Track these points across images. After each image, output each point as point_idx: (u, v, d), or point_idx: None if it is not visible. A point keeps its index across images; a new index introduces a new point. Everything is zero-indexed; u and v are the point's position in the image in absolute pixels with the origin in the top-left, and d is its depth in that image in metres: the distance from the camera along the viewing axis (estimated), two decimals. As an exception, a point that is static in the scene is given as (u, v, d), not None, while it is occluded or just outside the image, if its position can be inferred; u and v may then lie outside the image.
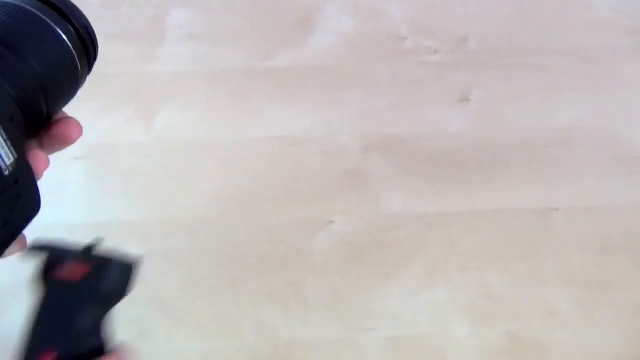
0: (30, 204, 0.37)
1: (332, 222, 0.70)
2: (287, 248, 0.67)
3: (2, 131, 0.33)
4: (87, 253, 0.39)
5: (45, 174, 0.38)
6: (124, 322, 0.58)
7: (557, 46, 0.96)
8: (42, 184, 0.37)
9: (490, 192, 0.74)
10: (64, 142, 0.41)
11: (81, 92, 0.42)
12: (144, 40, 0.91)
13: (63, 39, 0.40)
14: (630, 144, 0.79)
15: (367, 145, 0.78)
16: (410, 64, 0.92)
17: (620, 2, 1.05)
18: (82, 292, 0.38)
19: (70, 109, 0.42)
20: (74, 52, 0.41)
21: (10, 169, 0.34)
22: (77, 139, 0.41)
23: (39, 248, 0.39)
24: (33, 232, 0.37)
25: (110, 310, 0.39)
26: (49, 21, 0.40)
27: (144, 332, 0.57)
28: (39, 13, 0.40)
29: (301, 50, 0.94)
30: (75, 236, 0.42)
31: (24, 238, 0.37)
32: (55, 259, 0.38)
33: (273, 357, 0.56)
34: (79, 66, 0.42)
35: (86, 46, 0.42)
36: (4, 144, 0.33)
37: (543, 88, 0.88)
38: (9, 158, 0.34)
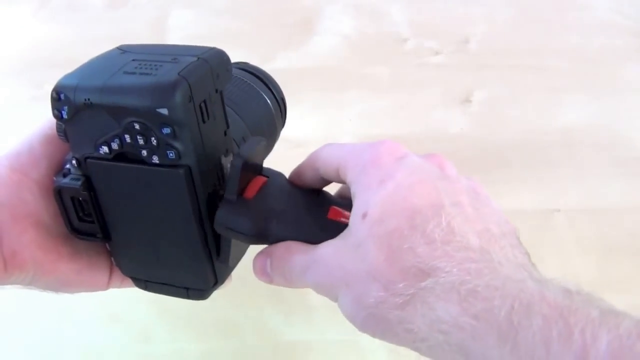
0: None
1: (333, 223, 0.69)
2: (288, 249, 0.66)
3: None
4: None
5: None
6: (125, 323, 0.58)
7: (558, 47, 0.96)
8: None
9: (491, 193, 0.73)
10: None
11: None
12: (146, 42, 0.91)
13: (268, 103, 0.50)
14: (632, 145, 0.79)
15: (368, 147, 0.78)
16: (411, 65, 0.92)
17: (622, 3, 1.05)
18: None
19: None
20: (274, 114, 0.50)
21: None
22: None
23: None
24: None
25: None
26: (260, 91, 0.49)
27: (145, 332, 0.57)
28: (254, 85, 0.50)
29: (302, 52, 0.94)
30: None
31: None
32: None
33: (273, 358, 0.56)
34: (277, 127, 0.52)
35: (281, 109, 0.52)
36: None
37: (544, 89, 0.88)
38: None
